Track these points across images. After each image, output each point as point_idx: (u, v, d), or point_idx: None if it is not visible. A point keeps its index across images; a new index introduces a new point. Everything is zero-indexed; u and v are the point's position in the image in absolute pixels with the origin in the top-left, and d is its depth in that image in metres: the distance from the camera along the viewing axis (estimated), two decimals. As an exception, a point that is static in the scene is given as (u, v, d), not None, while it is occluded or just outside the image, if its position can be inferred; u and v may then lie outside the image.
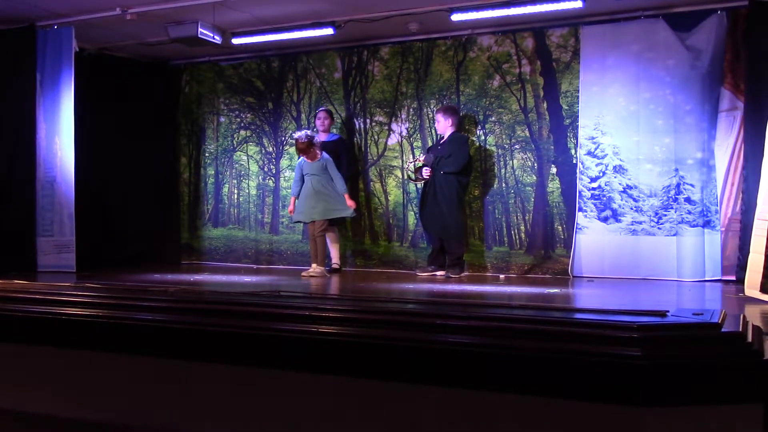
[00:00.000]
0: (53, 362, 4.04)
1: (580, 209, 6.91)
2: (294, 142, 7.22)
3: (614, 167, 6.83)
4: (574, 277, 6.93)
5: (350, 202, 7.12)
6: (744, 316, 3.54)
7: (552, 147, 7.26)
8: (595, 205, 6.89)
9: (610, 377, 2.89)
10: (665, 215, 6.67)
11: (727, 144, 6.57)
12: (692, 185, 6.60)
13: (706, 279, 6.49)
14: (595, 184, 6.90)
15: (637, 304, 4.61)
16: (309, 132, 7.21)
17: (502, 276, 7.15)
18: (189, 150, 9.04)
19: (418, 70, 7.81)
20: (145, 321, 3.93)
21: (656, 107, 6.70)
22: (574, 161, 7.06)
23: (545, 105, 7.29)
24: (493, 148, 7.50)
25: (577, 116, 7.00)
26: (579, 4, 6.45)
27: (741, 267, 5.94)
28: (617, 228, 6.81)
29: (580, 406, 2.91)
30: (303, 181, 7.23)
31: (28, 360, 4.12)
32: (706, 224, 6.56)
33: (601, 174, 6.88)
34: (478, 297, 5.57)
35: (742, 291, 5.39)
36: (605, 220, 6.86)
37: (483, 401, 3.07)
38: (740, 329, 3.21)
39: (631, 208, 6.78)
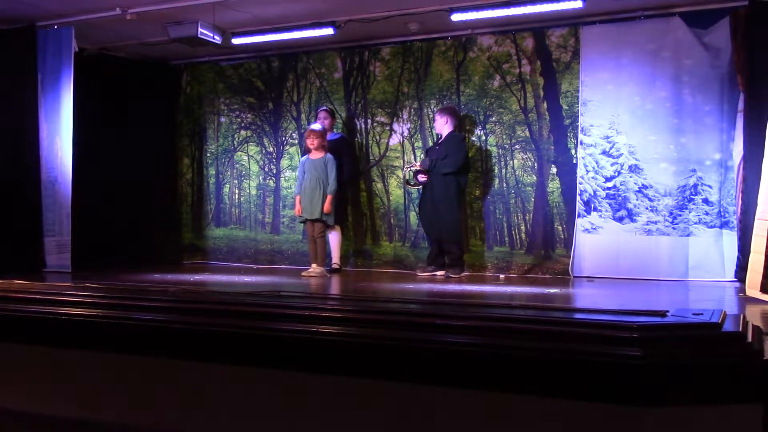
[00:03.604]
0: (53, 362, 4.03)
1: (596, 209, 6.91)
2: (308, 132, 7.20)
3: (630, 167, 6.82)
4: (574, 277, 6.93)
5: (327, 206, 7.01)
6: (744, 316, 3.54)
7: (552, 147, 7.26)
8: (610, 204, 6.88)
9: (610, 377, 2.89)
10: (680, 215, 6.67)
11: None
12: (710, 186, 6.59)
13: (725, 279, 6.44)
14: (610, 184, 6.88)
15: (637, 304, 4.61)
16: (326, 127, 7.38)
17: (501, 276, 7.15)
18: (191, 150, 9.05)
19: (418, 70, 7.81)
20: (145, 321, 3.93)
21: (672, 106, 6.69)
22: (575, 161, 7.06)
23: (545, 105, 7.30)
24: (494, 148, 7.50)
25: (578, 116, 7.01)
26: (579, 4, 6.45)
27: (741, 267, 5.94)
28: (632, 228, 6.81)
29: (580, 406, 2.91)
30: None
31: (28, 360, 4.12)
32: (724, 225, 6.55)
33: (616, 173, 6.87)
34: (478, 297, 5.57)
35: (743, 291, 5.39)
36: (620, 219, 6.85)
37: (483, 401, 3.07)
38: (740, 329, 3.21)
39: (647, 208, 6.78)
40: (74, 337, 3.98)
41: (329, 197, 7.01)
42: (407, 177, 7.44)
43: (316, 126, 7.25)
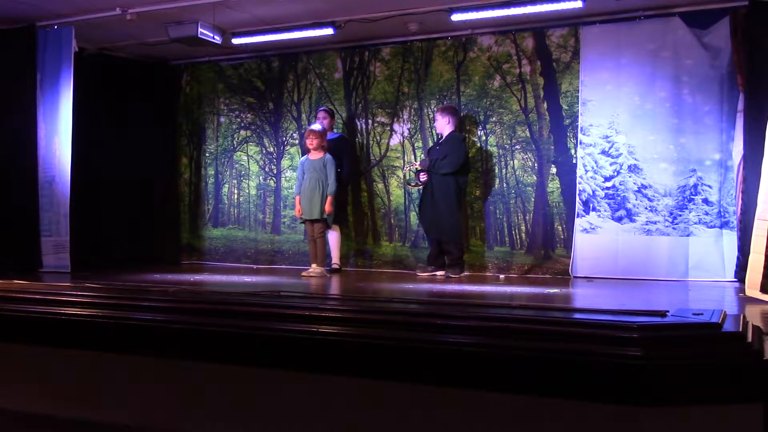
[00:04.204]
0: (53, 362, 4.04)
1: (594, 209, 6.91)
2: (307, 132, 7.19)
3: (629, 166, 6.82)
4: (574, 277, 6.93)
5: (328, 207, 7.00)
6: (744, 316, 3.54)
7: (552, 147, 7.26)
8: (609, 204, 6.88)
9: (610, 377, 2.89)
10: (680, 215, 6.66)
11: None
12: (710, 186, 6.59)
13: (725, 280, 6.44)
14: (609, 184, 6.88)
15: (637, 304, 4.61)
16: (325, 127, 7.38)
17: (501, 276, 7.15)
18: (190, 150, 9.05)
19: (418, 70, 7.82)
20: (145, 321, 3.93)
21: (672, 106, 6.69)
22: (574, 161, 7.06)
23: (545, 105, 7.29)
24: (494, 149, 7.50)
25: (578, 116, 7.00)
26: (579, 4, 6.45)
27: (742, 267, 5.94)
28: (631, 228, 6.80)
29: (580, 406, 2.91)
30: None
31: (28, 360, 4.12)
32: (724, 225, 6.55)
33: (615, 173, 6.86)
34: (478, 297, 5.57)
35: (743, 291, 5.39)
36: (619, 219, 6.84)
37: (483, 401, 3.07)
38: (740, 329, 3.21)
39: (646, 208, 6.77)
40: (74, 337, 3.98)
41: (329, 198, 7.01)
42: (407, 177, 7.45)
43: (316, 126, 7.25)
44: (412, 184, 7.36)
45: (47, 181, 7.30)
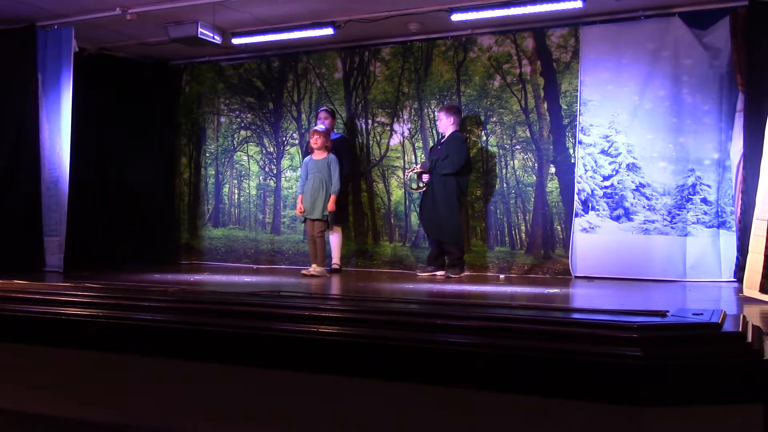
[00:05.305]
0: (53, 362, 4.03)
1: (593, 208, 6.90)
2: (311, 132, 7.20)
3: (627, 165, 6.82)
4: (574, 277, 6.93)
5: (330, 205, 7.03)
6: (744, 316, 3.53)
7: (551, 147, 7.26)
8: (607, 203, 6.88)
9: (610, 377, 2.88)
10: (678, 215, 6.66)
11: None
12: (708, 186, 6.59)
13: (722, 280, 6.45)
14: (607, 183, 6.88)
15: (636, 304, 4.61)
16: (327, 127, 7.37)
17: (502, 276, 7.15)
18: (189, 150, 9.05)
19: (418, 70, 7.82)
20: (145, 321, 3.93)
21: (671, 105, 6.69)
22: (573, 161, 7.06)
23: (545, 105, 7.30)
24: (495, 149, 7.50)
25: (577, 116, 7.00)
26: (579, 4, 6.46)
27: (740, 267, 5.94)
28: (629, 227, 6.80)
29: (579, 406, 2.91)
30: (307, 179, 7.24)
31: (28, 360, 4.12)
32: (722, 225, 6.55)
33: (614, 172, 6.87)
34: (479, 297, 5.57)
35: (741, 291, 5.39)
36: (617, 219, 6.84)
37: (483, 401, 3.07)
38: (740, 329, 3.21)
39: (644, 207, 6.77)
40: (74, 337, 3.98)
41: (333, 196, 7.02)
42: (409, 180, 7.41)
43: (320, 127, 7.26)
44: (415, 186, 7.33)
45: (52, 182, 7.30)
